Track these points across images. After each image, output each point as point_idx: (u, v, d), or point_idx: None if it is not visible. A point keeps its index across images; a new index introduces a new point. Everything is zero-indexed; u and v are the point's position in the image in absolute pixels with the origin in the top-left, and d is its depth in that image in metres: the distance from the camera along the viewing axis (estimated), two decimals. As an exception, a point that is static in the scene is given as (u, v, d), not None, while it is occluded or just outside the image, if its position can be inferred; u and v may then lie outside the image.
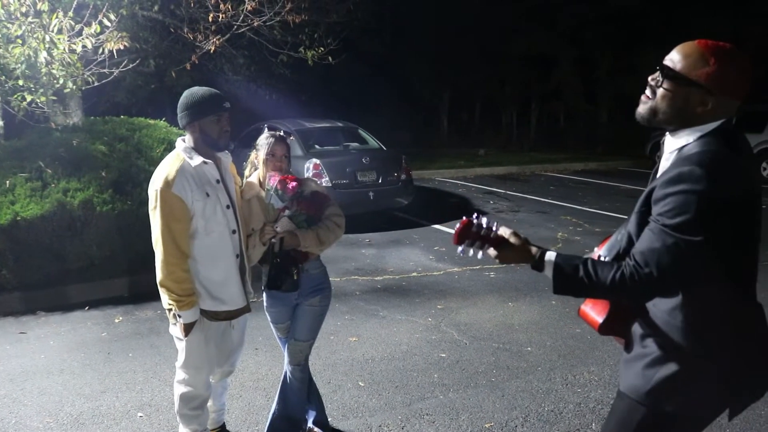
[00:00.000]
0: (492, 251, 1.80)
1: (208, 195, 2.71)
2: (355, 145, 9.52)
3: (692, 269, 1.62)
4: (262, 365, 4.23)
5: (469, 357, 4.38)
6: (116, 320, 5.09)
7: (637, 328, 1.80)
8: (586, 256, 1.77)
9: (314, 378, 3.34)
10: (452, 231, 1.81)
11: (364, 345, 4.59)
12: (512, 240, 1.79)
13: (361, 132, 9.90)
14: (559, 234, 8.18)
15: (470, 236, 1.79)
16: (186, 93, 2.76)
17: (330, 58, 9.51)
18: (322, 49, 9.51)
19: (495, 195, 11.52)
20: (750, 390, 1.76)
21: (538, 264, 1.76)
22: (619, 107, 19.55)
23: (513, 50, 18.84)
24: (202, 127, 2.72)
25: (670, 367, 1.70)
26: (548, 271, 1.74)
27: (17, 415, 3.57)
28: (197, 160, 2.71)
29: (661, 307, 1.72)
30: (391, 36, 18.12)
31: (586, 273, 1.68)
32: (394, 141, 12.25)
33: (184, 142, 2.78)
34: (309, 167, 8.18)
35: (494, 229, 1.80)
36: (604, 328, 1.85)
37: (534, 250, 1.78)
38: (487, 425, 3.46)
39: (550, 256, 1.74)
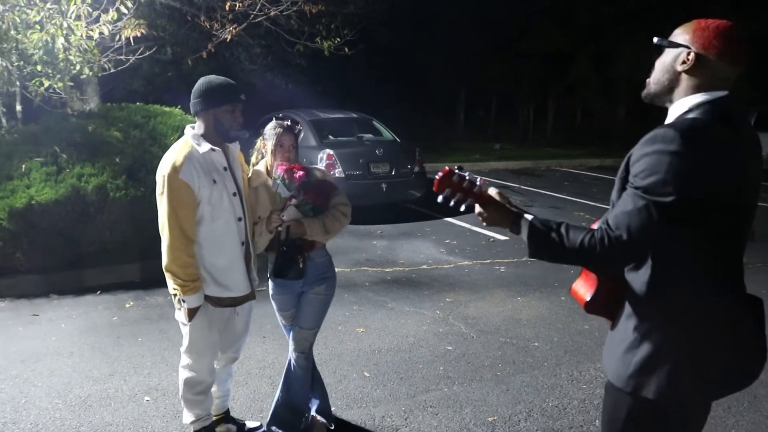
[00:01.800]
0: (477, 208, 1.82)
1: (215, 182, 2.73)
2: (369, 136, 9.50)
3: (662, 233, 1.59)
4: (269, 353, 4.26)
5: (475, 350, 4.38)
6: (127, 305, 5.15)
7: (621, 311, 1.77)
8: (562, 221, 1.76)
9: (320, 367, 3.35)
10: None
11: (371, 336, 4.60)
12: (497, 199, 1.81)
13: (376, 123, 9.89)
14: (572, 230, 8.13)
15: (451, 185, 1.80)
16: (202, 80, 2.77)
17: (346, 49, 9.51)
18: (339, 39, 9.51)
19: (509, 189, 11.46)
20: (721, 382, 1.71)
21: (516, 225, 1.76)
22: (637, 105, 19.32)
23: (530, 47, 18.68)
24: (216, 115, 2.74)
25: (645, 350, 1.67)
26: (524, 233, 1.74)
27: (27, 395, 3.63)
28: (205, 147, 2.73)
29: (636, 287, 1.70)
30: (408, 29, 18.04)
31: (558, 234, 1.67)
32: (409, 133, 12.22)
33: (193, 129, 2.81)
34: (323, 157, 8.19)
35: (477, 184, 1.80)
36: (591, 306, 1.84)
37: (513, 210, 1.78)
38: (490, 419, 3.46)
39: (527, 217, 1.75)
